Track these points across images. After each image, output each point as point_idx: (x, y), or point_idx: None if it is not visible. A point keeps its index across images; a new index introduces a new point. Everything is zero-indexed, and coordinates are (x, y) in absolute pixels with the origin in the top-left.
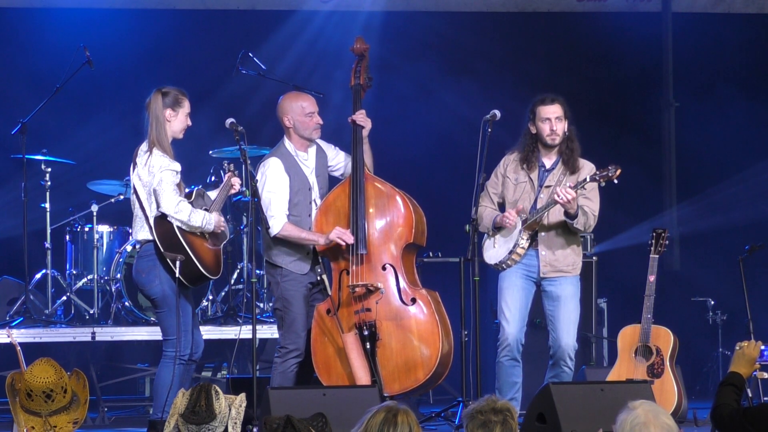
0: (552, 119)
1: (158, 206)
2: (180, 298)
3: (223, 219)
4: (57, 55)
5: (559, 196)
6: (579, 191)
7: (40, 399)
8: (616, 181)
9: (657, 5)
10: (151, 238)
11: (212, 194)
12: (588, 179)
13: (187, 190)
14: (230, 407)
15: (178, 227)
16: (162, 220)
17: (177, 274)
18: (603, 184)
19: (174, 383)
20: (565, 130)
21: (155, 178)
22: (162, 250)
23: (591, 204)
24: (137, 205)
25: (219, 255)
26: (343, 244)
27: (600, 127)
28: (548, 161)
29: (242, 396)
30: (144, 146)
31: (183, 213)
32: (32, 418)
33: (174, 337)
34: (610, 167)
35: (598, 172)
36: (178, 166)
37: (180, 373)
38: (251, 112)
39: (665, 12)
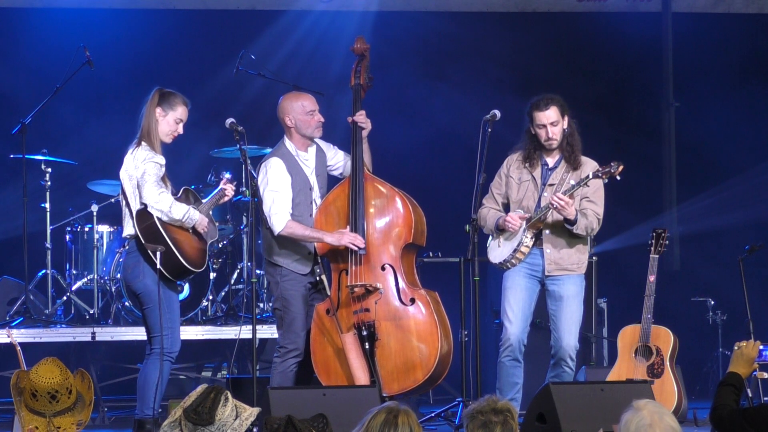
0: (547, 126)
1: (140, 197)
2: (166, 293)
3: (207, 220)
4: (57, 55)
5: (553, 204)
6: (581, 189)
7: (45, 399)
8: (618, 178)
9: (657, 5)
10: (134, 232)
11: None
12: (590, 176)
13: (174, 188)
14: (238, 416)
15: (158, 218)
16: (144, 212)
17: (158, 266)
18: (606, 180)
19: (162, 381)
20: (564, 127)
21: (138, 170)
22: (143, 241)
23: (594, 207)
24: (124, 201)
25: (204, 250)
26: (356, 248)
27: (600, 128)
28: (551, 160)
29: (255, 411)
30: (133, 142)
31: (164, 203)
32: (36, 418)
33: (160, 334)
34: (612, 163)
35: (600, 169)
36: (162, 159)
37: (167, 371)
38: (251, 112)
39: (665, 12)
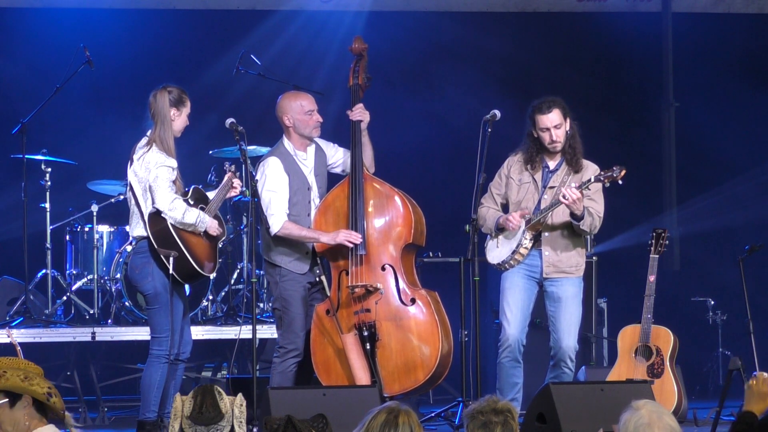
0: (551, 129)
1: (153, 202)
2: (172, 296)
3: (217, 223)
4: (57, 55)
5: (565, 198)
6: (584, 192)
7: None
8: (621, 182)
9: (657, 5)
10: (146, 234)
11: (211, 194)
12: (593, 179)
13: (184, 189)
14: (233, 407)
15: (171, 224)
16: (156, 216)
17: (170, 271)
18: (608, 184)
19: (161, 382)
20: (567, 129)
21: (151, 174)
22: (156, 246)
23: (595, 205)
24: (133, 201)
25: (215, 251)
26: (351, 245)
27: (600, 128)
28: (552, 162)
29: (240, 395)
30: (143, 142)
31: (177, 210)
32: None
33: (162, 335)
34: (614, 168)
35: (602, 173)
36: (174, 163)
37: (165, 373)
38: (251, 111)
39: (665, 12)
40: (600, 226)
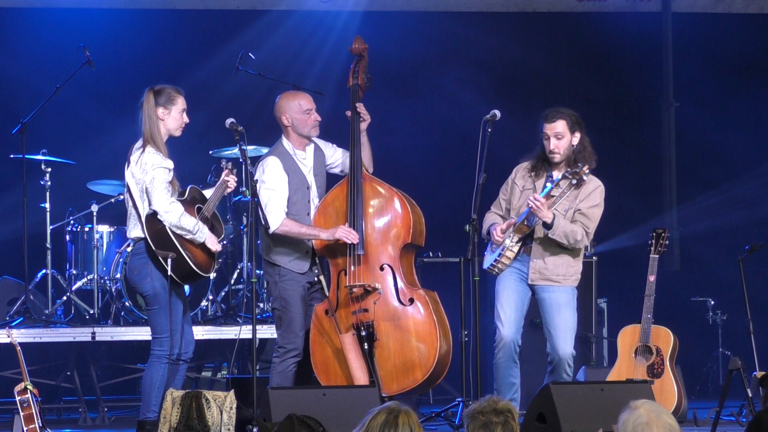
0: (551, 138)
1: (150, 204)
2: (171, 296)
3: (216, 239)
4: (57, 55)
5: (528, 204)
6: (577, 202)
7: None
8: (585, 179)
9: (657, 5)
10: (143, 235)
11: (208, 192)
12: (560, 176)
13: (180, 189)
14: (222, 412)
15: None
16: (153, 217)
17: (169, 272)
18: (574, 181)
19: (162, 382)
20: (574, 143)
21: (147, 175)
22: (153, 247)
23: (585, 220)
24: (130, 202)
25: (214, 252)
26: (348, 242)
27: (600, 128)
28: (556, 173)
29: (231, 395)
30: (138, 143)
31: (173, 213)
32: None
33: (163, 336)
34: (578, 164)
35: (568, 170)
36: (170, 164)
37: (166, 373)
38: (251, 111)
39: (665, 12)
40: (585, 242)
